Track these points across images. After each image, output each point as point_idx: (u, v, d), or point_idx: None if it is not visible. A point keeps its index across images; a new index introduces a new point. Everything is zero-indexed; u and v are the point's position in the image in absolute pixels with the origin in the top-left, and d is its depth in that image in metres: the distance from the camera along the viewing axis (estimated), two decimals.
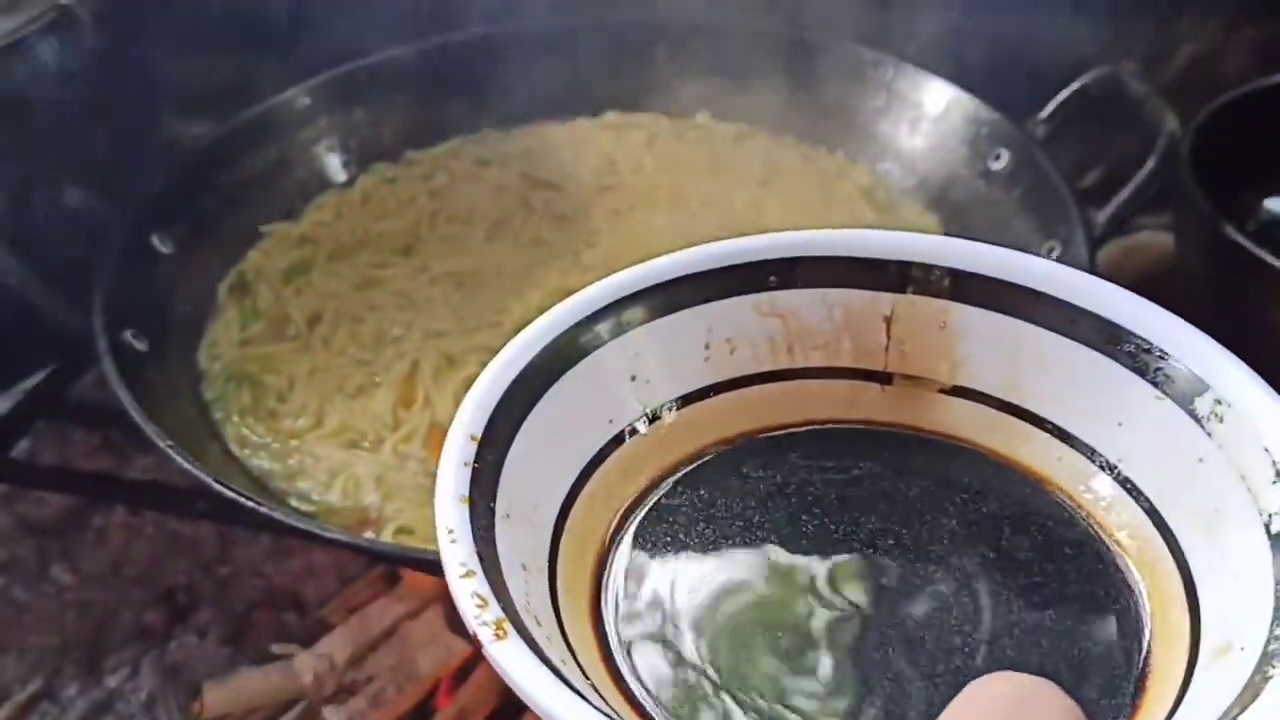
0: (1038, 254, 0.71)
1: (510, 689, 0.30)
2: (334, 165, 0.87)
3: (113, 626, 0.87)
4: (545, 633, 0.33)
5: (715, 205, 0.82)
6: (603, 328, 0.39)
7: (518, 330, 0.73)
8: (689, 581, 0.38)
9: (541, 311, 0.75)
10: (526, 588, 0.34)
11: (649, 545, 0.39)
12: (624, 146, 0.88)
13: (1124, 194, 0.68)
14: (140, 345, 0.69)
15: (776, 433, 0.42)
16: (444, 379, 0.70)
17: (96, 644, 0.86)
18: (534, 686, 0.30)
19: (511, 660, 0.30)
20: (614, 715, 0.31)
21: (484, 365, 0.64)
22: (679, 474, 0.41)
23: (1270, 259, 0.67)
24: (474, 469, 0.34)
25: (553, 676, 0.30)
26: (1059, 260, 0.69)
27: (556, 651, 0.32)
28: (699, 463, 0.41)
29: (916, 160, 0.84)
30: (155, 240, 0.75)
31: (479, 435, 0.35)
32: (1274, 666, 0.30)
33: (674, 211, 0.82)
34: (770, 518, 0.39)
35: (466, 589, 0.31)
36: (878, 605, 0.37)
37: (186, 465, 0.57)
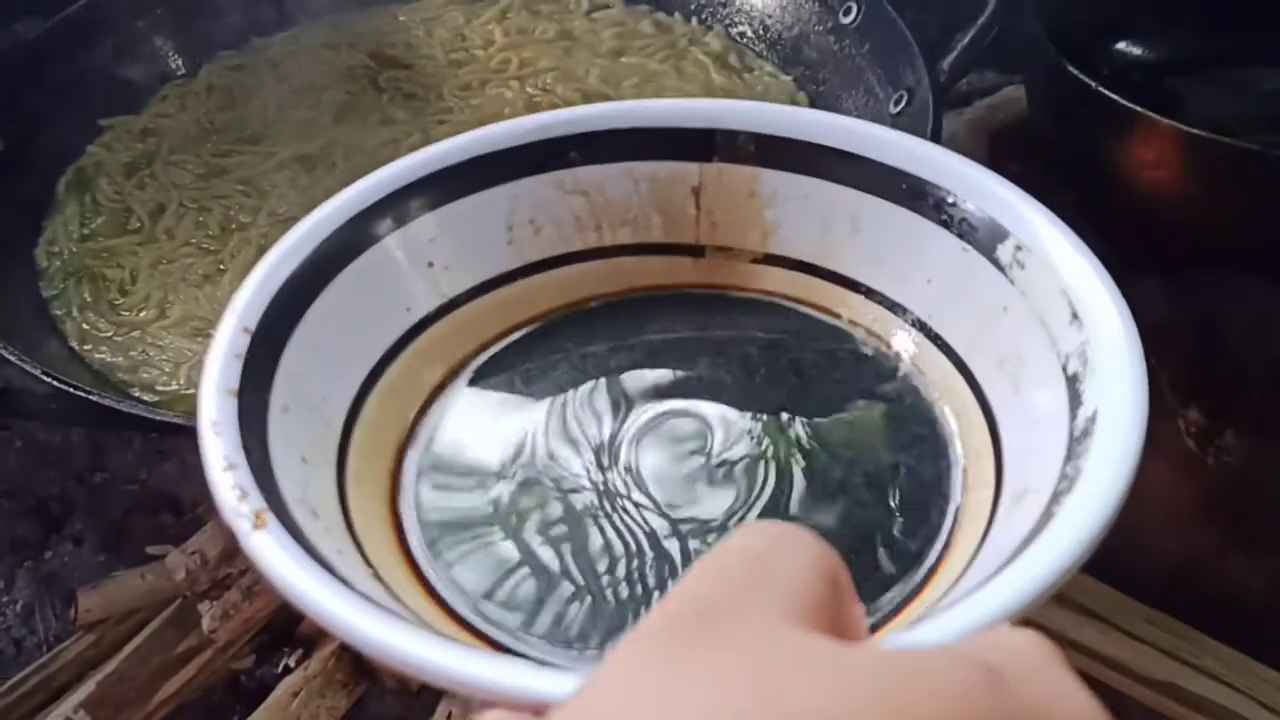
0: (885, 108, 0.71)
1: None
2: (175, 56, 0.84)
3: None
4: (323, 525, 0.32)
5: (568, 78, 0.81)
6: (390, 215, 0.38)
7: None
8: (492, 460, 0.37)
9: None
10: (304, 480, 0.33)
11: (453, 429, 0.38)
12: (474, 22, 0.86)
13: (964, 39, 0.67)
14: None
15: (589, 304, 0.42)
16: None
17: None
18: (287, 575, 0.29)
19: (266, 550, 0.29)
20: (392, 604, 0.30)
21: None
22: (483, 356, 0.40)
23: (1118, 99, 0.67)
24: (245, 361, 0.34)
25: (312, 564, 0.29)
26: (905, 111, 0.69)
27: (332, 542, 0.31)
28: (506, 342, 0.40)
29: (769, 20, 0.83)
30: None
31: (252, 327, 0.34)
32: (1059, 504, 0.30)
33: (526, 85, 0.80)
34: (576, 387, 0.39)
35: (227, 481, 0.30)
36: (677, 459, 0.37)
37: (11, 359, 0.55)
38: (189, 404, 0.63)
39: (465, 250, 0.40)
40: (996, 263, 0.37)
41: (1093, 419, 0.31)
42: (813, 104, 0.78)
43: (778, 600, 0.22)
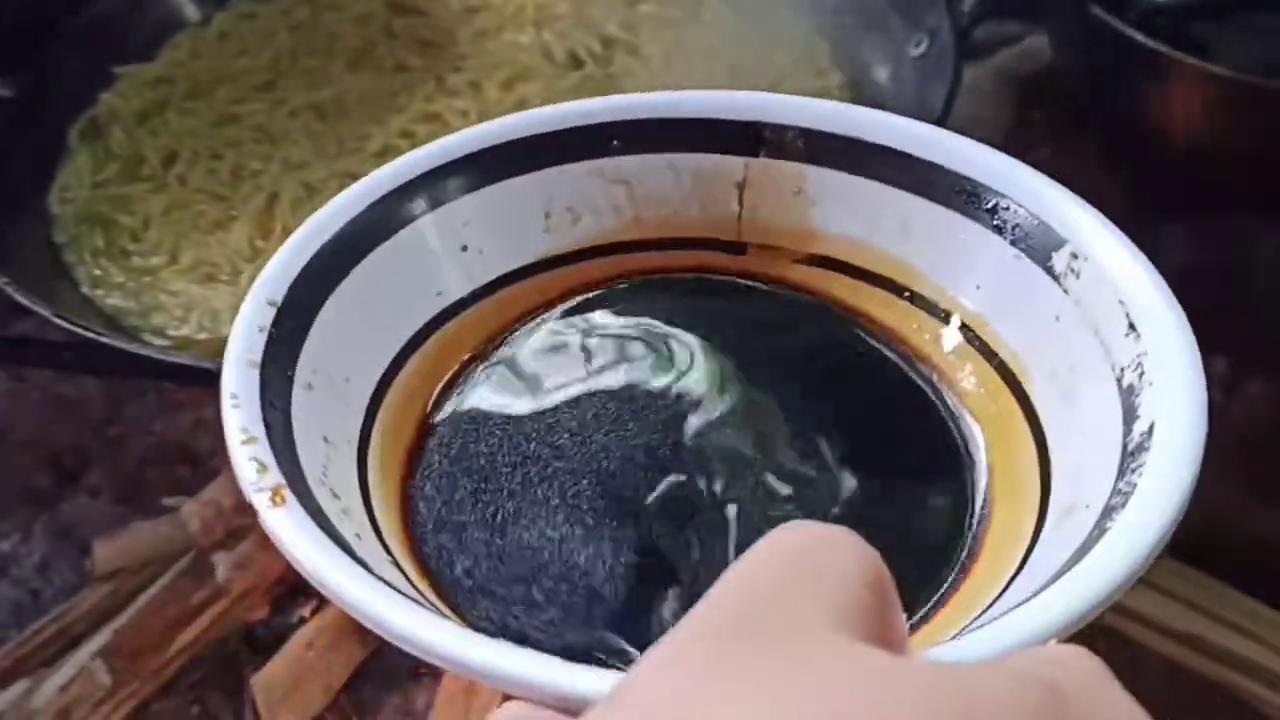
0: (906, 50, 0.70)
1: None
2: (188, 4, 0.83)
3: (1, 493, 0.86)
4: (342, 505, 0.31)
5: (585, 25, 0.80)
6: (425, 195, 0.37)
7: (380, 156, 0.72)
8: (514, 447, 0.36)
9: (405, 136, 0.74)
10: (325, 459, 0.32)
11: (473, 414, 0.37)
12: None
13: None
14: None
15: (620, 284, 0.40)
16: (303, 208, 0.68)
17: None
18: (306, 554, 0.28)
19: (286, 527, 0.28)
20: (404, 590, 0.29)
21: (344, 190, 0.62)
22: (502, 340, 0.39)
23: (1145, 40, 0.66)
24: (270, 334, 0.33)
25: (330, 545, 0.28)
26: (926, 54, 0.68)
27: (352, 525, 0.31)
28: (533, 323, 0.39)
29: None
30: None
31: (278, 301, 0.33)
32: (1112, 520, 0.29)
33: (541, 31, 0.79)
34: (597, 377, 0.37)
35: (245, 454, 0.30)
36: (703, 453, 0.35)
37: (22, 300, 0.55)
38: (200, 348, 0.63)
39: (501, 235, 0.38)
40: (1050, 271, 0.35)
41: (1148, 433, 0.30)
42: (833, 48, 0.77)
43: (826, 605, 0.21)
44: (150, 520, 0.80)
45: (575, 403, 0.36)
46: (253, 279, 0.63)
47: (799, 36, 0.78)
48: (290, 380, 0.33)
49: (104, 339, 0.54)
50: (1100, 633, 0.59)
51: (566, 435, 0.36)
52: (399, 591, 0.28)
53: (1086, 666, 0.21)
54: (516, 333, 0.39)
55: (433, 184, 0.37)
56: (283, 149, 0.73)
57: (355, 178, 0.69)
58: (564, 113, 0.39)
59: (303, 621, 0.70)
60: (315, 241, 0.35)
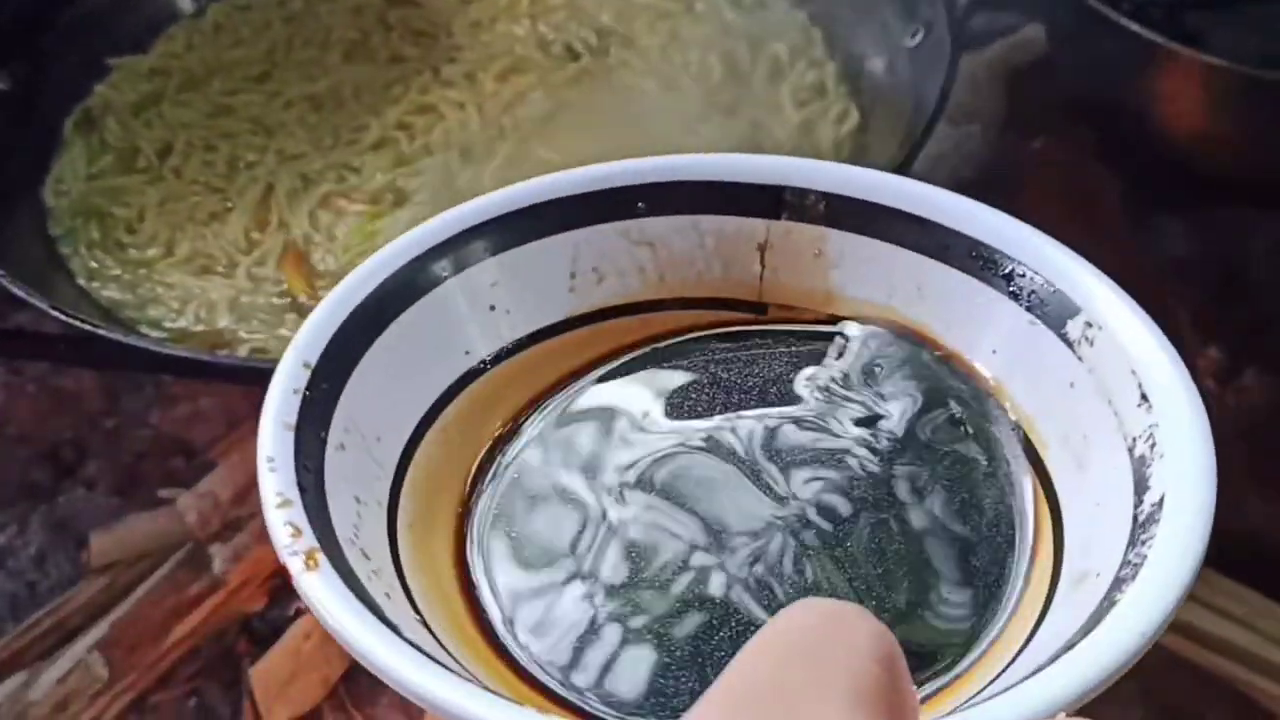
0: (901, 42, 0.70)
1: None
2: None
3: None
4: (373, 566, 0.31)
5: (579, 16, 0.80)
6: (453, 257, 0.38)
7: (377, 148, 0.72)
8: (564, 511, 0.36)
9: (401, 128, 0.74)
10: (357, 520, 0.32)
11: (521, 478, 0.37)
12: None
13: None
14: None
15: (655, 345, 0.40)
16: (299, 199, 0.68)
17: None
18: (338, 619, 0.28)
19: (319, 591, 0.29)
20: (439, 652, 0.30)
21: (340, 182, 0.62)
22: (549, 402, 0.39)
23: (1141, 30, 0.66)
24: (305, 396, 0.33)
25: (362, 609, 0.28)
26: (922, 45, 0.68)
27: (381, 586, 0.31)
28: (575, 385, 0.39)
29: None
30: None
31: (313, 363, 0.34)
32: (1122, 591, 0.29)
33: (536, 23, 0.79)
34: (648, 438, 0.37)
35: (281, 518, 0.30)
36: (741, 512, 0.35)
37: (18, 292, 0.55)
38: (196, 340, 0.63)
39: (527, 295, 0.39)
40: (1065, 338, 0.35)
41: (1159, 505, 0.30)
42: (828, 39, 0.77)
43: (838, 684, 0.21)
44: (147, 512, 0.80)
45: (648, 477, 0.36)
46: (249, 271, 0.65)
47: (795, 28, 0.78)
48: (324, 442, 0.33)
49: (100, 331, 0.54)
50: None
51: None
52: (426, 654, 0.28)
53: None
54: (557, 397, 0.39)
55: (462, 245, 0.38)
56: (278, 140, 0.72)
57: (351, 169, 0.70)
58: (590, 176, 0.40)
59: (300, 614, 0.70)
60: (349, 303, 0.35)
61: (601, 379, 0.40)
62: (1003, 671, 0.30)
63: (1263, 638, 0.60)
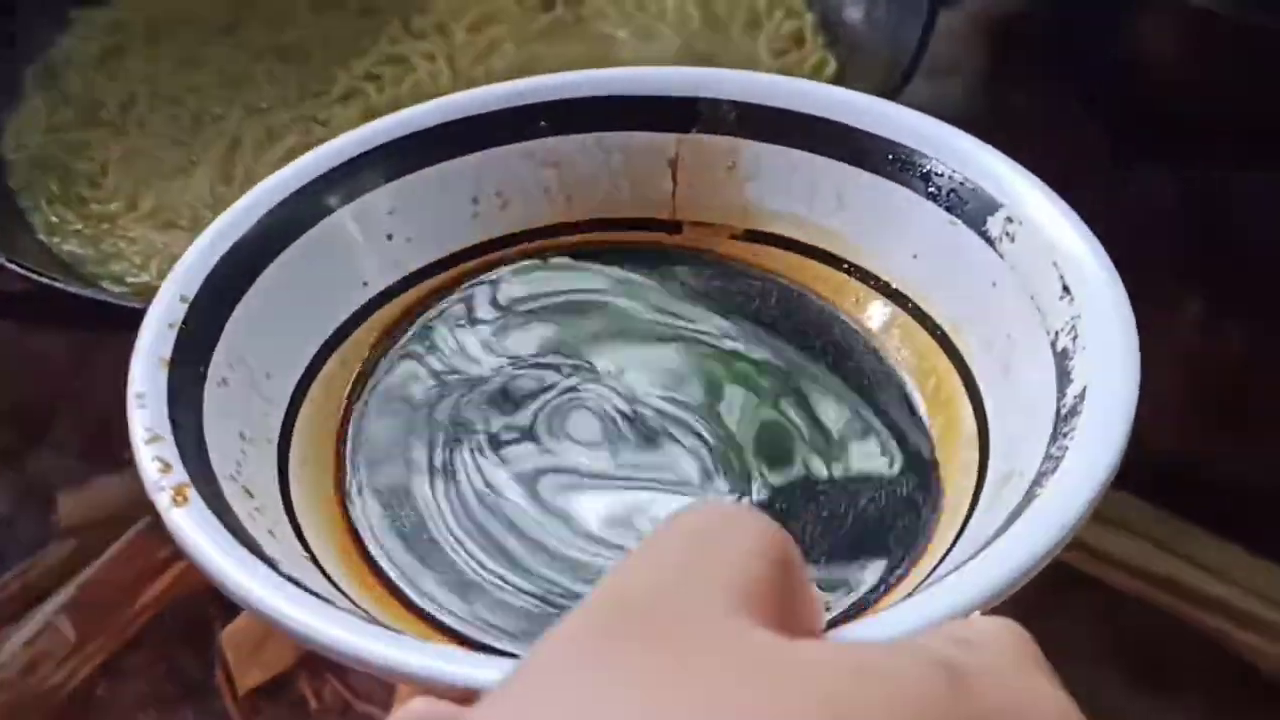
0: None
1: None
2: None
3: None
4: (256, 504, 0.31)
5: None
6: (346, 185, 0.37)
7: (345, 100, 0.71)
8: (437, 423, 0.35)
9: (370, 79, 0.73)
10: (240, 457, 0.32)
11: (391, 398, 0.36)
12: None
13: None
14: None
15: (549, 255, 0.39)
16: (265, 152, 0.67)
17: None
18: (206, 554, 0.28)
19: (187, 526, 0.28)
20: (314, 587, 0.29)
21: (308, 134, 0.61)
22: (421, 316, 0.38)
23: None
24: (180, 330, 0.32)
25: (232, 542, 0.28)
26: None
27: (265, 523, 0.30)
28: (450, 298, 0.38)
29: None
30: None
31: (190, 296, 0.33)
32: (1041, 487, 0.28)
33: None
34: (525, 338, 0.37)
35: (150, 454, 0.30)
36: (638, 419, 0.35)
37: None
38: None
39: (427, 223, 0.38)
40: (986, 236, 0.35)
41: (1080, 396, 0.30)
42: None
43: (719, 588, 0.20)
44: (116, 474, 0.79)
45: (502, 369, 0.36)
46: None
47: None
48: (203, 376, 0.32)
49: (59, 284, 0.53)
50: (1076, 579, 0.59)
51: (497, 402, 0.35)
52: (302, 587, 0.28)
53: (1006, 644, 0.21)
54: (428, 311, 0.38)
55: (354, 173, 0.37)
56: (245, 93, 0.71)
57: (319, 122, 0.69)
58: (488, 96, 0.39)
59: None
60: (231, 236, 0.35)
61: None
62: (924, 581, 0.30)
63: (1242, 589, 0.60)
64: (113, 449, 0.82)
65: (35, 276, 0.53)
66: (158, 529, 0.71)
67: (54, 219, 0.66)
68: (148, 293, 0.61)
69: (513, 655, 0.29)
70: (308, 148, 0.66)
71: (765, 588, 0.20)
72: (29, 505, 0.82)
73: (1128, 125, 0.71)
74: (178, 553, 0.69)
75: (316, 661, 0.66)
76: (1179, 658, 0.60)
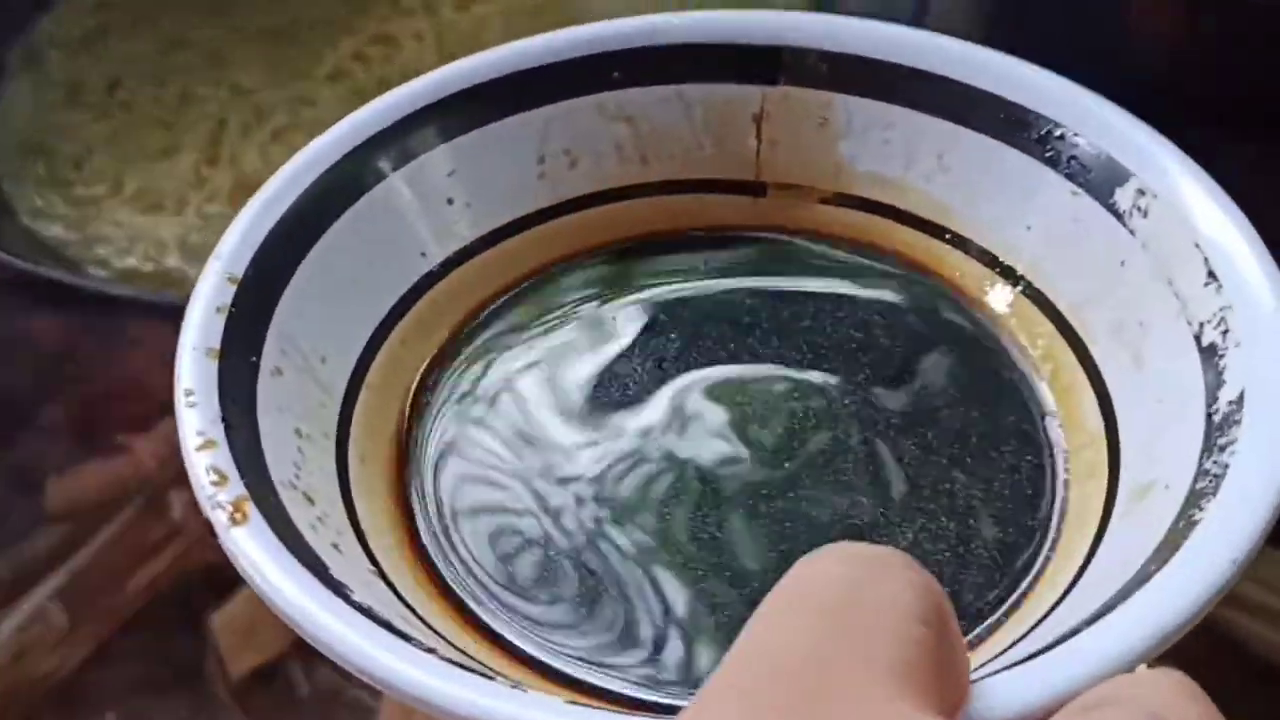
0: None
1: None
2: None
3: None
4: (318, 512, 0.28)
5: None
6: (401, 144, 0.34)
7: (332, 80, 0.70)
8: (528, 426, 0.32)
9: (357, 59, 0.72)
10: (299, 457, 0.28)
11: (470, 388, 0.33)
12: None
13: None
14: None
15: (628, 243, 0.36)
16: (251, 134, 0.67)
17: None
18: (269, 580, 0.25)
19: (247, 549, 0.25)
20: (393, 611, 0.26)
21: (294, 115, 0.60)
22: (502, 300, 0.35)
23: None
24: (230, 314, 0.29)
25: (299, 568, 0.25)
26: None
27: (328, 535, 0.27)
28: (530, 284, 0.35)
29: None
30: None
31: (239, 276, 0.30)
32: (1200, 509, 0.25)
33: None
34: (616, 341, 0.34)
35: (202, 462, 0.26)
36: (746, 444, 0.31)
37: None
38: (145, 281, 0.62)
39: (489, 186, 0.35)
40: (1113, 209, 0.31)
41: (1237, 403, 0.26)
42: None
43: (881, 668, 0.18)
44: (106, 459, 0.78)
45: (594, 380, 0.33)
46: (200, 209, 0.63)
47: None
48: (255, 369, 0.29)
49: (42, 270, 0.53)
50: None
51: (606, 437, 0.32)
52: (375, 620, 0.25)
53: (1187, 701, 0.18)
54: (510, 296, 0.35)
55: (409, 132, 0.34)
56: (231, 74, 0.70)
57: (306, 102, 0.68)
58: (556, 43, 0.35)
59: None
60: (279, 207, 0.31)
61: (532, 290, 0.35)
62: (1054, 607, 0.27)
63: (1261, 585, 0.59)
64: (103, 433, 0.82)
65: (18, 263, 0.52)
66: (147, 512, 0.71)
67: (39, 202, 0.65)
68: (133, 277, 0.61)
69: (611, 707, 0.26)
70: (295, 129, 0.67)
71: (923, 656, 0.19)
72: (18, 491, 0.81)
73: (1120, 96, 0.70)
74: (169, 537, 0.69)
75: (308, 646, 0.66)
76: (1196, 652, 0.59)
